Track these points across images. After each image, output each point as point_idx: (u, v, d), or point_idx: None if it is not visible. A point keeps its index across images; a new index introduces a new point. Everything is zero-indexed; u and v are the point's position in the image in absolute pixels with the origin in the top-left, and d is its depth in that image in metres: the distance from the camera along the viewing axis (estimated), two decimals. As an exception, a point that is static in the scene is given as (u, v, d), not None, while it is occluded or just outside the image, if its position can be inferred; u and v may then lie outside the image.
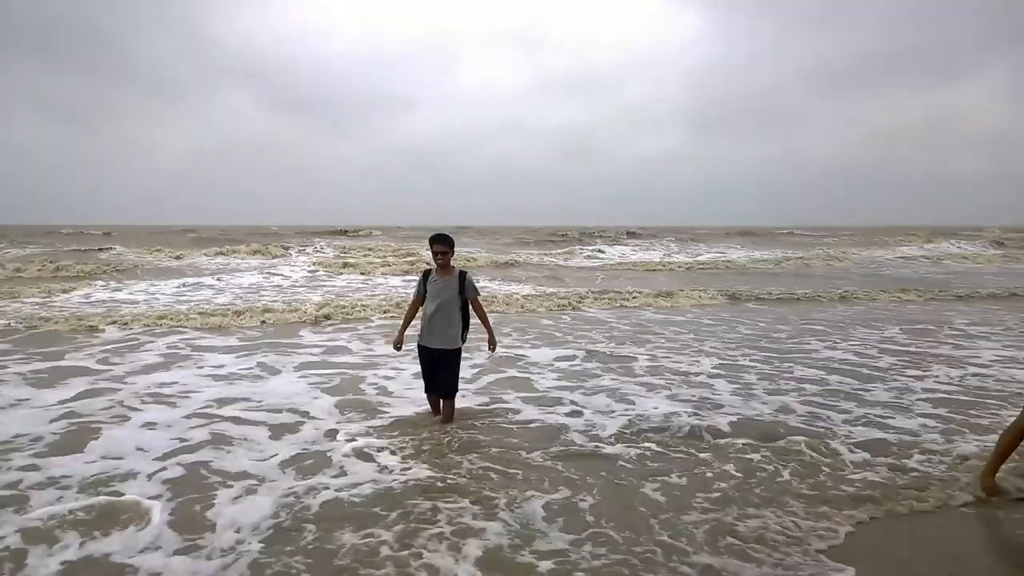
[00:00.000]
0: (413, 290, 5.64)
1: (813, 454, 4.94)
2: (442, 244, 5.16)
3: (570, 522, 3.84)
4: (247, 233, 40.75)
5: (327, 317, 11.10)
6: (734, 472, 4.60)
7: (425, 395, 5.63)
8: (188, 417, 5.67)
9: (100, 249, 26.89)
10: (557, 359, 8.27)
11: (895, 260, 31.98)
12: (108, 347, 8.58)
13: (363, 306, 12.11)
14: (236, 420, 5.63)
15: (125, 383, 6.80)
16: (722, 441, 5.24)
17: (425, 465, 4.68)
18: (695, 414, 5.91)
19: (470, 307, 5.47)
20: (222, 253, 25.91)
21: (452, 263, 5.37)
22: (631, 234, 46.57)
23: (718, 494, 4.23)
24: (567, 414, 5.92)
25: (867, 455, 4.92)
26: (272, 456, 4.80)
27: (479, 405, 6.19)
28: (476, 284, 5.46)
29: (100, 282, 16.65)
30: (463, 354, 5.64)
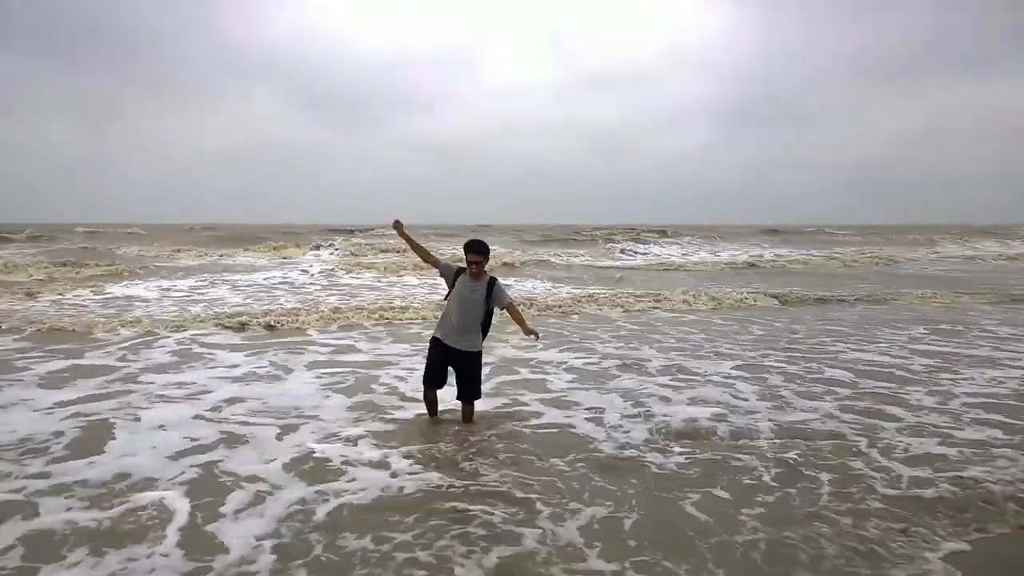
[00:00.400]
0: (444, 262, 5.34)
1: (862, 465, 4.59)
2: (477, 253, 4.95)
3: (610, 542, 3.50)
4: (268, 231, 40.85)
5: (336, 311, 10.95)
6: (777, 484, 4.27)
7: (423, 388, 5.33)
8: (199, 419, 5.48)
9: (110, 249, 27.26)
10: (574, 359, 7.98)
11: (962, 259, 30.45)
12: (124, 345, 8.41)
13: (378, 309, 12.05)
14: (247, 423, 5.42)
15: (139, 383, 6.63)
16: (758, 447, 4.94)
17: (444, 472, 4.42)
18: (724, 419, 5.63)
19: (494, 314, 5.28)
20: (239, 251, 26.11)
21: (485, 270, 5.16)
22: (663, 233, 45.85)
23: (763, 509, 3.89)
24: (589, 418, 5.65)
25: (926, 468, 4.52)
26: (283, 460, 4.58)
27: (496, 408, 5.94)
28: (505, 291, 5.20)
29: (117, 280, 16.61)
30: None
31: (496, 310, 5.28)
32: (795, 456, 4.77)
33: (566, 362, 7.83)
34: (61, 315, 10.74)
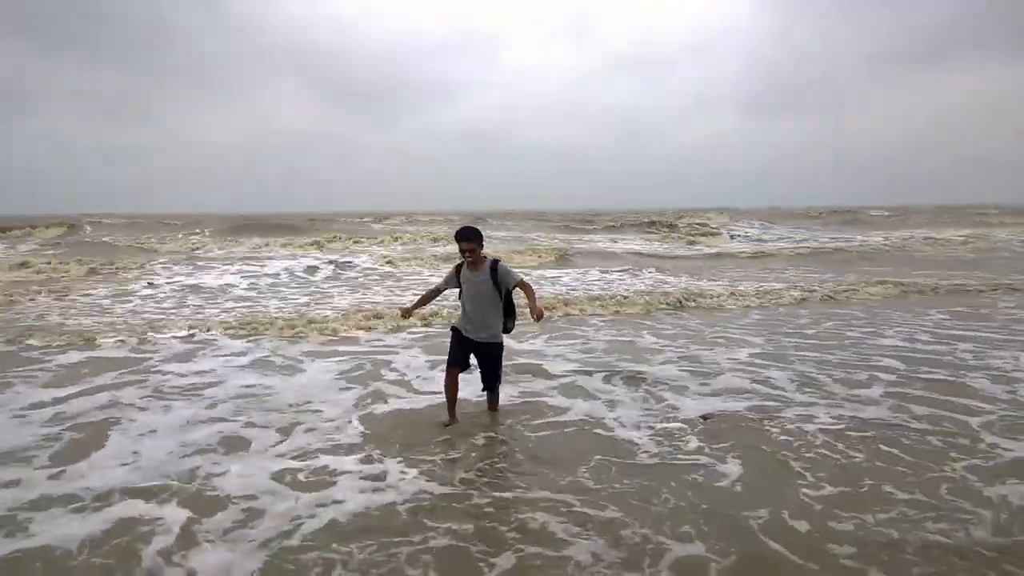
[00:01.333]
0: (442, 279, 5.06)
1: (963, 478, 3.72)
2: (468, 241, 4.60)
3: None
4: (294, 220, 39.86)
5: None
6: (856, 512, 3.36)
7: (446, 371, 4.90)
8: (193, 423, 4.87)
9: (163, 238, 27.52)
10: (581, 350, 7.30)
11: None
12: (122, 344, 7.78)
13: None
14: (247, 424, 4.83)
15: (131, 381, 6.04)
16: (814, 447, 4.18)
17: (465, 480, 3.76)
18: (770, 413, 4.90)
19: (512, 293, 4.86)
20: (258, 245, 25.35)
21: (485, 254, 4.80)
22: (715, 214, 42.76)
23: (855, 546, 3.02)
24: (616, 413, 5.00)
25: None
26: (285, 469, 3.98)
27: (512, 397, 5.40)
28: (511, 269, 4.77)
29: (137, 272, 15.72)
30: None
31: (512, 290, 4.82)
32: (870, 461, 3.95)
33: (563, 353, 7.11)
34: (60, 319, 10.34)
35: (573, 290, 12.51)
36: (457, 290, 4.90)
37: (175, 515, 3.39)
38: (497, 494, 3.63)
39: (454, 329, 4.91)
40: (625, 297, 11.08)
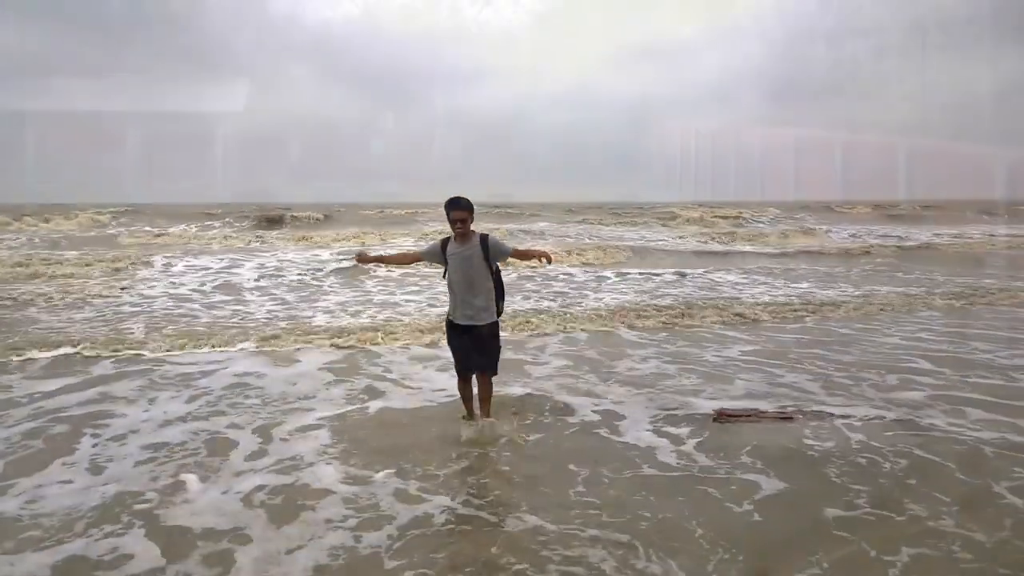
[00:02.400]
0: (425, 247, 4.70)
1: None
2: (461, 210, 4.29)
3: None
4: (303, 210, 39.11)
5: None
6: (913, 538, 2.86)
7: (457, 377, 4.67)
8: (169, 424, 4.53)
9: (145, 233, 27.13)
10: (563, 339, 6.98)
11: None
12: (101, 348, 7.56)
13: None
14: (231, 424, 4.52)
15: (116, 375, 5.81)
16: (856, 449, 3.66)
17: (467, 500, 3.35)
18: (787, 414, 4.46)
19: (501, 272, 4.57)
20: (264, 238, 24.68)
21: (474, 229, 4.49)
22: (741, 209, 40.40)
23: None
24: (622, 411, 4.69)
25: None
26: (255, 489, 3.53)
27: (517, 396, 5.08)
28: (503, 242, 4.45)
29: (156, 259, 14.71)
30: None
31: (501, 267, 4.51)
32: (916, 477, 3.48)
33: (547, 345, 6.77)
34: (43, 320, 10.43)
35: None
36: (442, 270, 4.48)
37: (127, 554, 2.90)
38: (502, 516, 3.21)
39: (449, 323, 4.55)
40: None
